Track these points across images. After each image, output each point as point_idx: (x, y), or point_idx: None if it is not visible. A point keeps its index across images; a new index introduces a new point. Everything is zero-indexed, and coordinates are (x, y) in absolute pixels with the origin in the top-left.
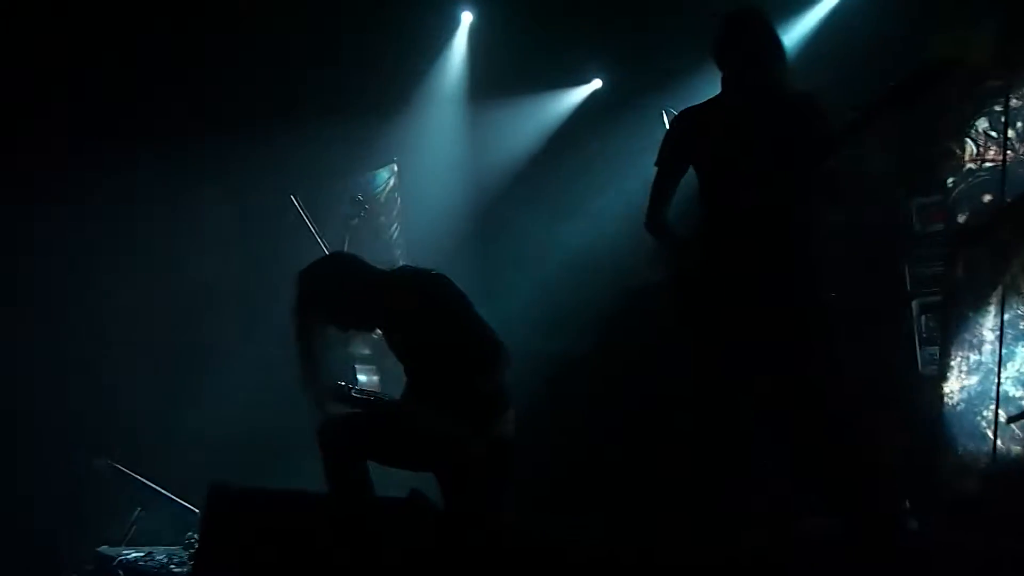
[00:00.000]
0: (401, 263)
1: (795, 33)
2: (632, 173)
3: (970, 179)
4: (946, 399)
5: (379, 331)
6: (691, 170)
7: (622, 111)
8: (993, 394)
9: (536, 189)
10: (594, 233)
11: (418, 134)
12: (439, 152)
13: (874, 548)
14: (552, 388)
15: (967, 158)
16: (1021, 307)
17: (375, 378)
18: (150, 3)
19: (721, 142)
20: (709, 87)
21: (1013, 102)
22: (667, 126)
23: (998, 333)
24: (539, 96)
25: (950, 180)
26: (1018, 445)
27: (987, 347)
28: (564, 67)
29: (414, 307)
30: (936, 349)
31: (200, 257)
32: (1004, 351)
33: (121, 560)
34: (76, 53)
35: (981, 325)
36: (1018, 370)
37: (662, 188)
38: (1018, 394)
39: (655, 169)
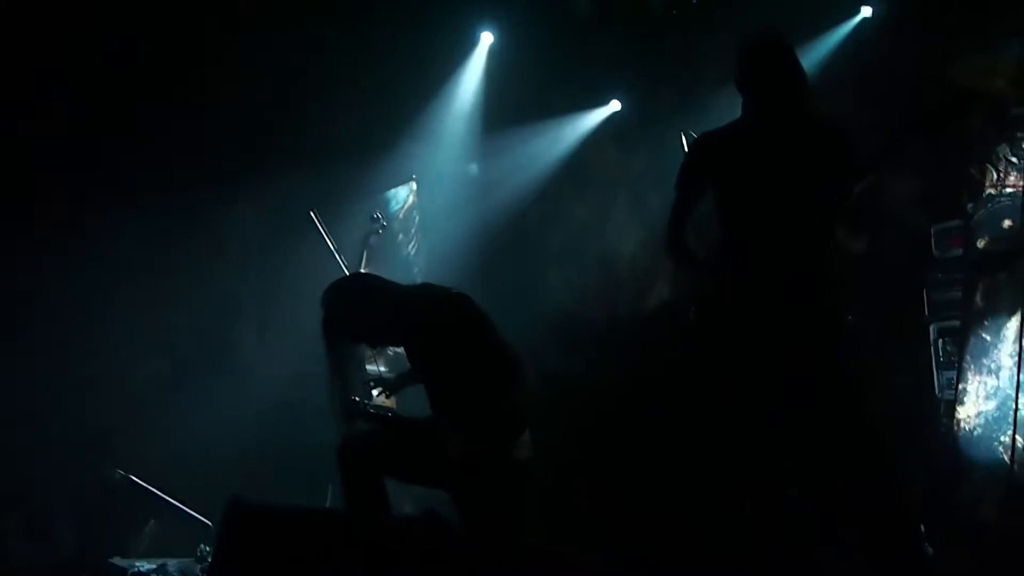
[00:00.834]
0: (419, 281)
1: (813, 56)
2: (651, 195)
3: (990, 205)
4: (963, 424)
5: (400, 348)
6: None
7: (641, 132)
8: (1011, 419)
9: (556, 207)
10: (613, 253)
11: (437, 152)
12: (458, 171)
13: None
14: (569, 411)
15: (987, 184)
16: None
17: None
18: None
19: (742, 167)
20: (730, 109)
21: None
22: (686, 149)
23: (1016, 359)
24: (558, 116)
25: (970, 206)
26: None
27: (1005, 373)
28: (583, 88)
29: (436, 325)
30: (954, 374)
31: (222, 272)
32: (1022, 376)
33: (134, 571)
34: (108, 61)
35: (999, 351)
36: None
37: (681, 211)
38: None
39: (674, 192)
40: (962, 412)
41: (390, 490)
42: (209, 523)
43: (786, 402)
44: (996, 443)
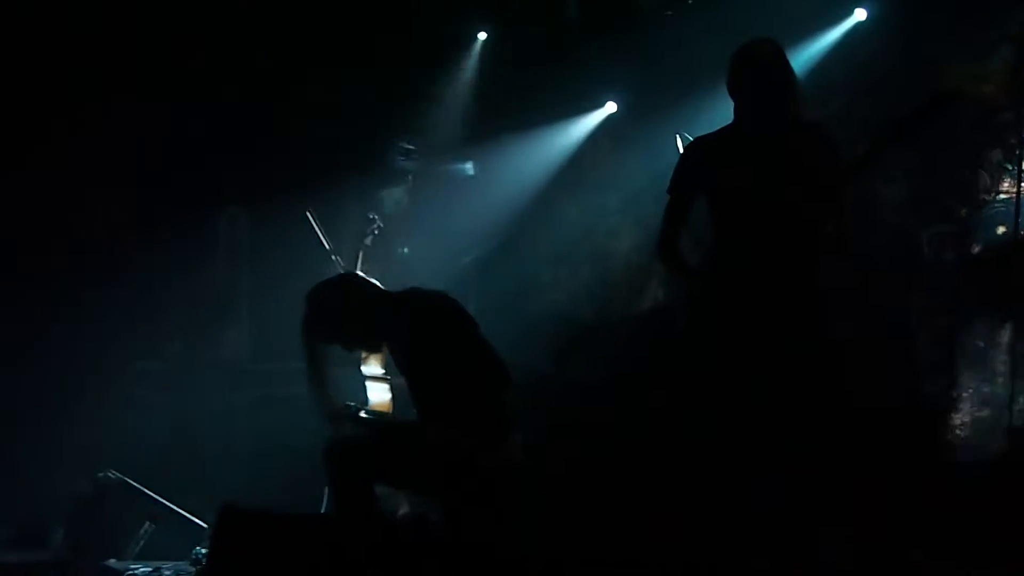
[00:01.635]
0: (411, 284)
1: (804, 59)
2: (645, 197)
3: (984, 210)
4: (957, 431)
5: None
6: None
7: (636, 134)
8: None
9: (548, 209)
10: (606, 255)
11: (433, 153)
12: (453, 171)
13: None
14: (560, 414)
15: (981, 189)
16: None
17: (387, 396)
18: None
19: (735, 171)
20: (725, 111)
21: None
22: (680, 151)
23: (1009, 365)
24: (553, 117)
25: (963, 211)
26: None
27: (999, 379)
28: (578, 89)
29: (419, 329)
30: (946, 380)
31: (214, 272)
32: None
33: (129, 574)
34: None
35: (993, 357)
36: None
37: (674, 214)
38: None
39: (667, 196)
40: (956, 419)
41: (390, 492)
42: (204, 525)
43: (774, 404)
44: (990, 450)
